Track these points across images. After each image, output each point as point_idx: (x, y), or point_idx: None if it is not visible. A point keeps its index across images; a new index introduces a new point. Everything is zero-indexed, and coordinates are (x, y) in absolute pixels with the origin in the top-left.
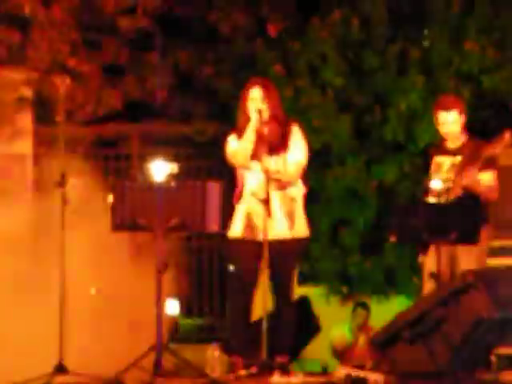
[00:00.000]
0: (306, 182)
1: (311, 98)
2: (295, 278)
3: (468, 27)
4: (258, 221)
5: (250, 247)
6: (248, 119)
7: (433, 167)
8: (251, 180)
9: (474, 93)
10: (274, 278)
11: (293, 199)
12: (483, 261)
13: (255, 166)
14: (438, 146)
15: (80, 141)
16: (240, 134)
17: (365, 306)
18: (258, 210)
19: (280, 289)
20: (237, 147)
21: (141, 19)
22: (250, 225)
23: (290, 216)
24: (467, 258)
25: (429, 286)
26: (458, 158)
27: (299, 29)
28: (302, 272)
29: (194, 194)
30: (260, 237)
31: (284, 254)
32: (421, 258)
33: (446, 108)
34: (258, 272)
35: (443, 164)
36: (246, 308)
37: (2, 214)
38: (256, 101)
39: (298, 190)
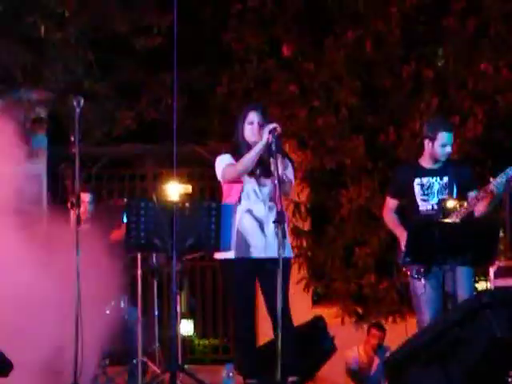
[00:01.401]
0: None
1: (326, 118)
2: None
3: (482, 47)
4: (251, 238)
5: (244, 266)
6: (244, 140)
7: (418, 188)
8: (247, 198)
9: (489, 113)
10: (270, 297)
11: (283, 221)
12: (473, 282)
13: (252, 183)
14: (413, 167)
15: (95, 161)
16: (234, 154)
17: (380, 327)
18: (251, 227)
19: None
20: (240, 160)
21: (155, 39)
22: (241, 243)
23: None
24: (463, 276)
25: (429, 310)
26: (446, 179)
27: (313, 49)
28: (317, 292)
29: (209, 214)
30: (253, 254)
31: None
32: (416, 283)
33: (450, 129)
34: (255, 292)
35: (432, 185)
36: (252, 330)
37: (17, 234)
38: (253, 125)
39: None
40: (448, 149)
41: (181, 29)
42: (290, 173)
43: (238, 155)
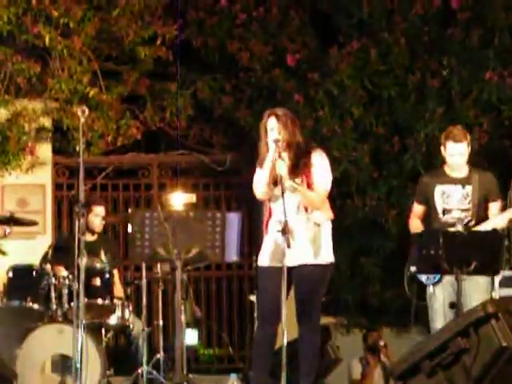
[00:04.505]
0: (333, 209)
1: (331, 127)
2: (319, 306)
3: (487, 57)
4: (281, 247)
5: (275, 275)
6: (268, 150)
7: (438, 196)
8: (276, 210)
9: (494, 122)
10: (298, 304)
11: (317, 224)
12: (489, 291)
13: (277, 193)
14: (437, 174)
15: (100, 170)
16: (262, 164)
17: (374, 329)
18: (281, 235)
19: (305, 315)
20: (256, 178)
21: (160, 49)
22: (277, 253)
23: (314, 242)
24: (477, 287)
25: (441, 318)
26: (469, 188)
27: (318, 58)
28: (322, 302)
29: (214, 224)
30: (287, 263)
31: (308, 279)
32: (431, 289)
33: (456, 140)
34: (280, 301)
35: (452, 194)
36: (271, 338)
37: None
38: (273, 131)
39: (321, 217)
40: (455, 159)
41: (186, 39)
42: (316, 178)
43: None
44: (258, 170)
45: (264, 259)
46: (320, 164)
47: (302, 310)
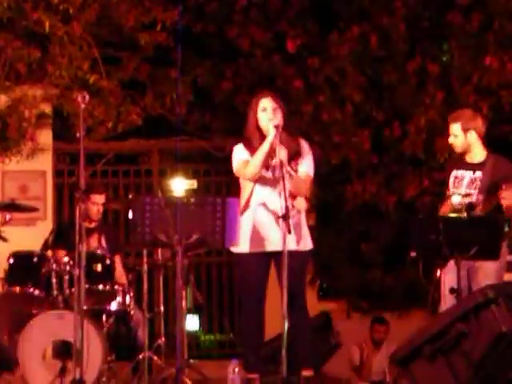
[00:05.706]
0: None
1: (331, 113)
2: (306, 291)
3: (487, 42)
4: (266, 231)
5: (258, 260)
6: (257, 129)
7: (452, 180)
8: (261, 191)
9: (494, 108)
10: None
11: (299, 211)
12: (502, 276)
13: (267, 175)
14: (457, 159)
15: (100, 157)
16: (248, 144)
17: (382, 321)
18: (266, 220)
19: (293, 301)
20: (250, 160)
21: (160, 35)
22: (256, 237)
23: (297, 228)
24: (486, 273)
25: (448, 302)
26: (479, 174)
27: (318, 44)
28: (322, 287)
29: (214, 210)
30: (268, 248)
31: (294, 265)
32: (439, 273)
33: (451, 119)
34: (267, 285)
35: (463, 178)
36: (259, 324)
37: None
38: (267, 111)
39: (303, 204)
40: (450, 139)
41: (186, 24)
42: (304, 166)
43: (251, 146)
44: (240, 147)
45: (242, 245)
46: (308, 152)
47: (291, 297)
